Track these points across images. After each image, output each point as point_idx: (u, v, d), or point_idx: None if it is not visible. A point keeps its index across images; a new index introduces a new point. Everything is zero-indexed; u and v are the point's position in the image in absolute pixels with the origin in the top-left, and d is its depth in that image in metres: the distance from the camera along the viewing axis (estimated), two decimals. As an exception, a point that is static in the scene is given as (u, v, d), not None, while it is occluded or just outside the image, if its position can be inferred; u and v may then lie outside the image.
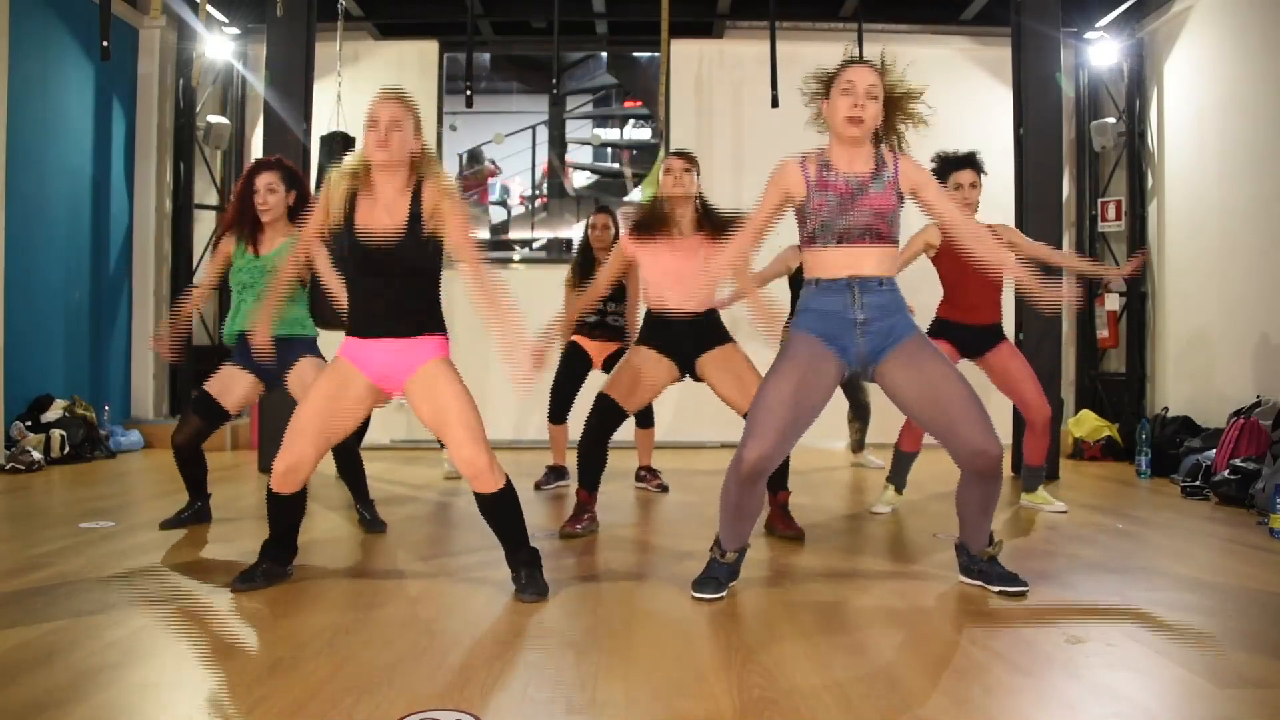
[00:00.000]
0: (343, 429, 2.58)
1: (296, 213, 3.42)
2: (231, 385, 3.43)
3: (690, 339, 3.45)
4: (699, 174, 3.54)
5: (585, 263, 4.64)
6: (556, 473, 4.72)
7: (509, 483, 2.59)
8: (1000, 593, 2.60)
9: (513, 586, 2.59)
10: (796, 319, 2.61)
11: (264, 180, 3.42)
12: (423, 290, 2.60)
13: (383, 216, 2.52)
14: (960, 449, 2.48)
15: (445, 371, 2.55)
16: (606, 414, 3.43)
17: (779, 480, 3.50)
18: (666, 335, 3.46)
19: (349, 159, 2.61)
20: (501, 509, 2.58)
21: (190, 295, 3.75)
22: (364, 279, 2.56)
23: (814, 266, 2.57)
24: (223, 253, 3.51)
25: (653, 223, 3.50)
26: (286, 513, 2.66)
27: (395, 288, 2.54)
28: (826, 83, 2.59)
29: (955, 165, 3.84)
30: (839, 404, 5.59)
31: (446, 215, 2.53)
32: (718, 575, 2.60)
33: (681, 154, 3.57)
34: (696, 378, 3.51)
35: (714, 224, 3.46)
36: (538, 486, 4.65)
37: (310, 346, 3.51)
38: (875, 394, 5.59)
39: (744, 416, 3.37)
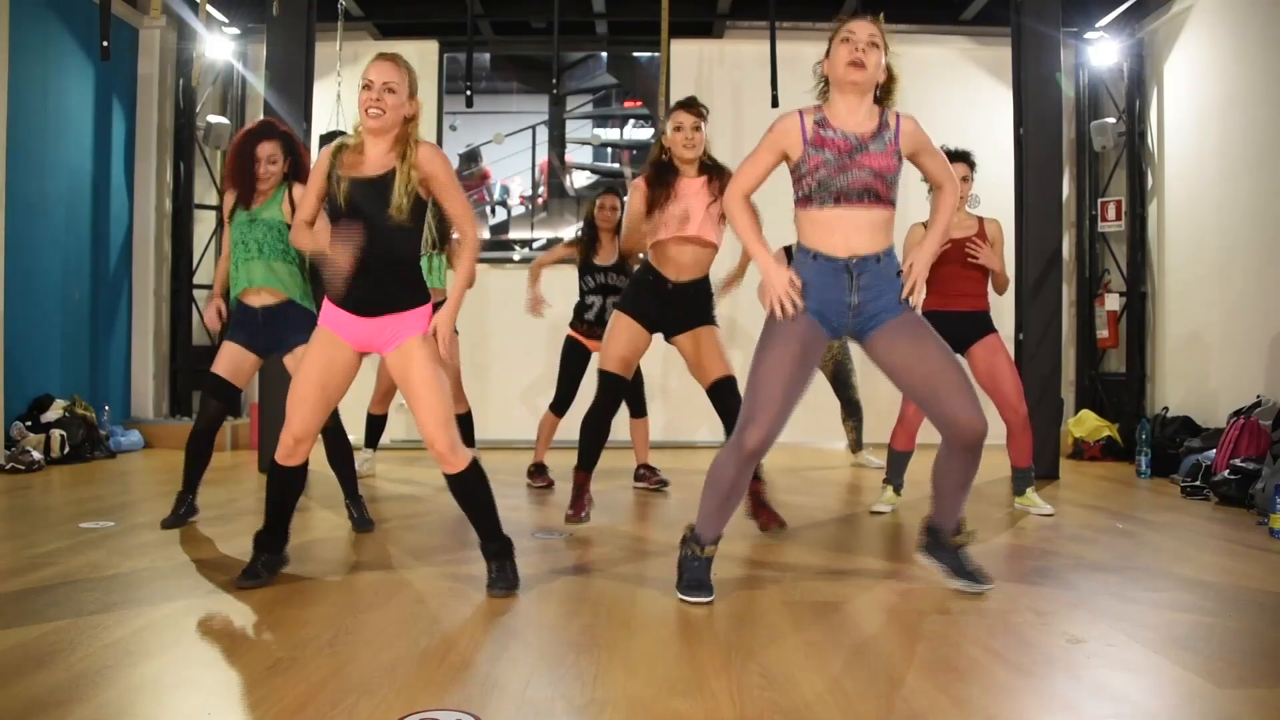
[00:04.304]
0: (339, 393, 2.66)
1: (290, 176, 3.55)
2: (237, 364, 3.48)
3: (678, 307, 3.48)
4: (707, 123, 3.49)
5: (589, 240, 4.65)
6: (540, 470, 4.76)
7: (475, 464, 2.64)
8: (962, 589, 2.60)
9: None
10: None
11: (266, 151, 3.48)
12: (404, 260, 2.62)
13: (367, 169, 2.56)
14: (945, 419, 2.47)
15: (421, 352, 2.57)
16: (613, 388, 3.52)
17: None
18: (651, 301, 3.48)
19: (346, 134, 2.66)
20: (469, 489, 2.64)
21: (218, 276, 3.73)
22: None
23: (811, 232, 2.51)
24: (227, 225, 3.60)
25: (664, 173, 3.46)
26: (289, 488, 2.71)
27: (378, 258, 2.55)
28: (828, 46, 2.54)
29: (949, 159, 3.88)
30: (834, 405, 5.59)
31: (443, 187, 2.60)
32: (701, 575, 2.58)
33: (692, 108, 3.44)
34: (668, 339, 3.60)
35: (717, 170, 3.50)
36: (530, 484, 4.70)
37: (310, 324, 3.53)
38: (865, 391, 5.62)
39: (707, 391, 3.50)
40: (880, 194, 2.47)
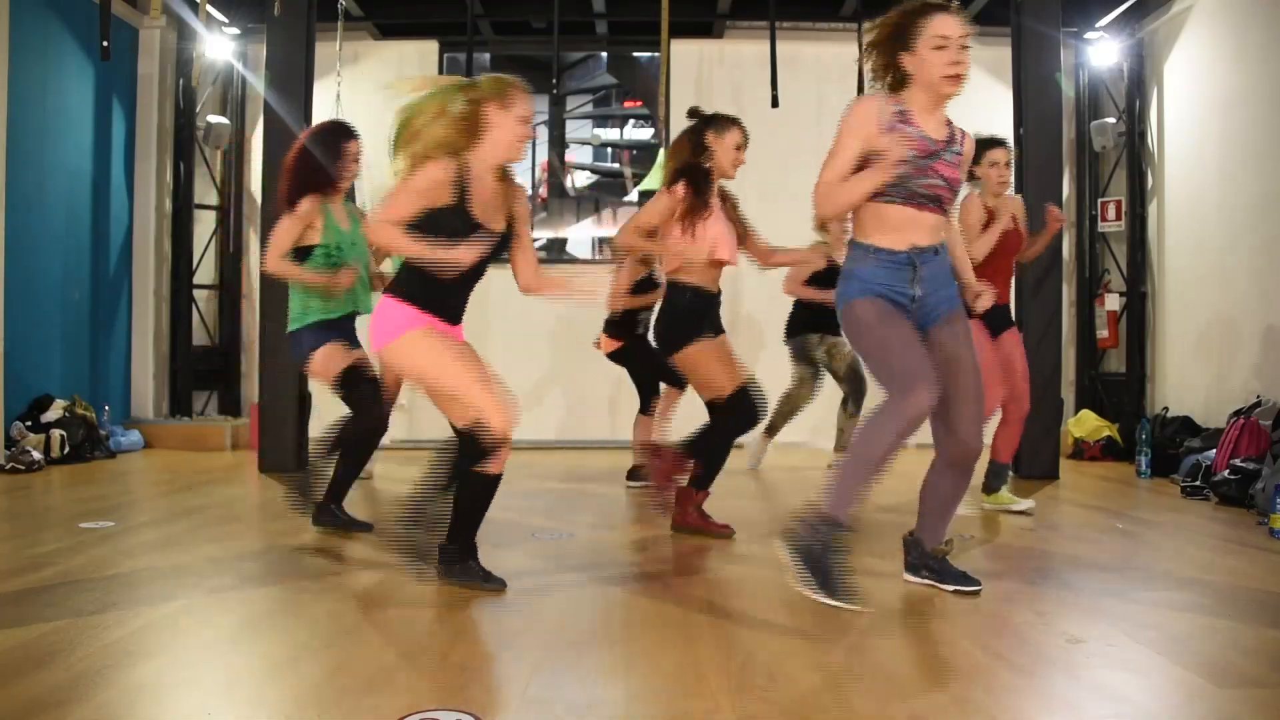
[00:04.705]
0: None
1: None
2: (361, 360, 3.37)
3: (716, 316, 3.43)
4: None
5: None
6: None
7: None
8: (955, 591, 2.60)
9: (511, 585, 2.62)
10: (853, 287, 2.47)
11: (354, 149, 3.42)
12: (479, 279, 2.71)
13: (493, 214, 2.59)
14: (948, 434, 2.51)
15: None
16: (747, 397, 3.37)
17: (707, 478, 3.45)
18: (706, 316, 3.38)
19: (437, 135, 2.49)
20: (490, 493, 2.64)
21: (290, 271, 3.33)
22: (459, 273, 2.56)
23: (873, 226, 2.44)
24: (308, 215, 3.29)
25: (706, 185, 3.34)
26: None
27: (471, 282, 2.62)
28: (902, 32, 2.40)
29: (989, 145, 3.90)
30: (829, 403, 5.52)
31: (521, 218, 2.72)
32: (837, 566, 2.40)
33: (744, 130, 3.41)
34: None
35: (724, 190, 3.50)
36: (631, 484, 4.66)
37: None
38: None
39: (707, 404, 3.38)
40: (945, 203, 2.46)
